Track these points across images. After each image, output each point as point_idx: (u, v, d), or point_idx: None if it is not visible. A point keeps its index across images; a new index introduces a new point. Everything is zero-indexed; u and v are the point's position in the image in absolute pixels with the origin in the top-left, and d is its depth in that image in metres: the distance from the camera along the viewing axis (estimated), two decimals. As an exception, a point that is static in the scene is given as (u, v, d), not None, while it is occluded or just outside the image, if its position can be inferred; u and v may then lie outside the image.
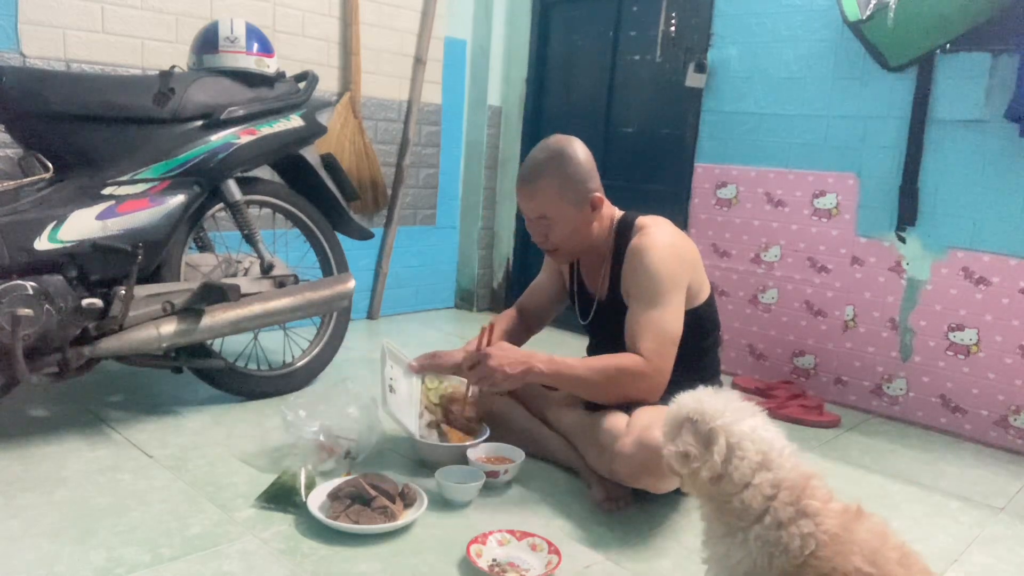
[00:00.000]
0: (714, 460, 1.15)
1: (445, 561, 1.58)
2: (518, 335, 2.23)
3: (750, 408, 1.22)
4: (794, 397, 2.74)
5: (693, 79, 3.08)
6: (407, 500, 1.77)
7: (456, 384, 2.07)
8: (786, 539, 1.11)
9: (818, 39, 2.81)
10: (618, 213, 2.02)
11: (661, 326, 1.82)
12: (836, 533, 1.11)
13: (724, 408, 1.20)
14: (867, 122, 2.73)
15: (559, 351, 2.33)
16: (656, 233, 1.88)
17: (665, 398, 1.88)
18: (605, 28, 3.56)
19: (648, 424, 1.75)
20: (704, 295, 1.98)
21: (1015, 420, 2.49)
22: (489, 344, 1.89)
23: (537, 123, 3.87)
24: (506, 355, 1.82)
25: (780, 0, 2.88)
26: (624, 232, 1.95)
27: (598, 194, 1.92)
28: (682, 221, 3.21)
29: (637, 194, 3.43)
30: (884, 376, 2.76)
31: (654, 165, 3.43)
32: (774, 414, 2.66)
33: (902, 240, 2.68)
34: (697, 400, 1.22)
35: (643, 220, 1.95)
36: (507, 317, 2.25)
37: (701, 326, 1.97)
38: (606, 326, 2.00)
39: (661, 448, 1.26)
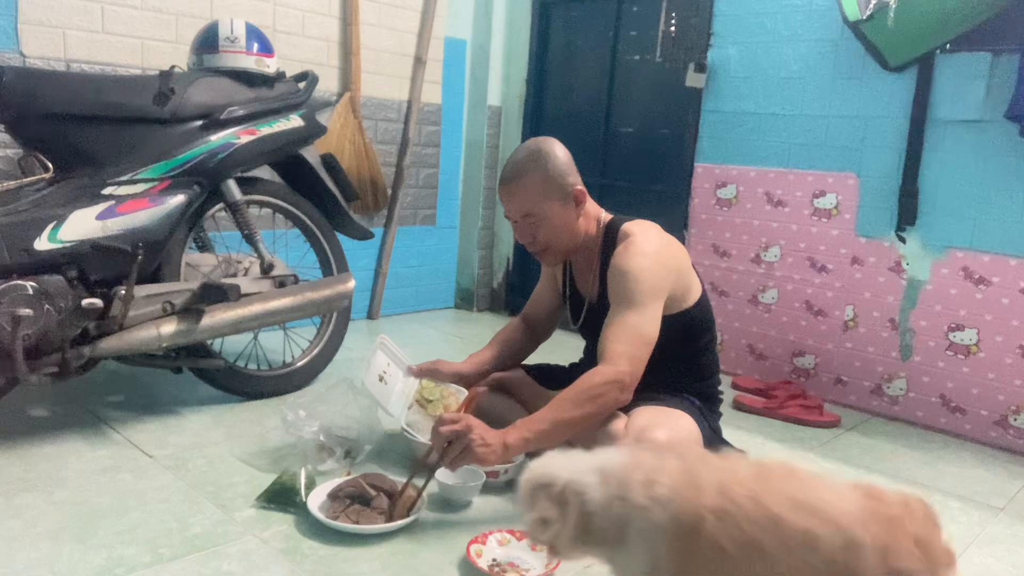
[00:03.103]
0: (570, 518, 1.11)
1: (445, 561, 1.58)
2: (522, 345, 2.23)
3: (603, 453, 1.19)
4: (794, 397, 2.73)
5: (693, 79, 3.08)
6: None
7: (454, 391, 2.07)
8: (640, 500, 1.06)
9: (818, 39, 2.81)
10: (606, 216, 2.01)
11: (636, 329, 1.78)
12: (680, 481, 1.06)
13: (568, 465, 1.16)
14: (867, 122, 2.73)
15: (557, 352, 2.35)
16: (640, 242, 1.86)
17: (664, 397, 1.89)
18: (605, 28, 3.56)
19: (646, 425, 1.76)
20: (693, 297, 1.96)
21: (1015, 420, 2.49)
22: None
23: (537, 123, 3.87)
24: (484, 439, 1.65)
25: (780, 0, 2.89)
26: (611, 238, 1.94)
27: (580, 187, 1.92)
28: (682, 221, 3.22)
29: (637, 194, 3.43)
30: (884, 376, 2.76)
31: (654, 165, 3.42)
32: (774, 414, 2.67)
33: (902, 240, 2.68)
34: (544, 465, 1.19)
35: (628, 227, 1.92)
36: (511, 327, 2.25)
37: (693, 328, 1.97)
38: (597, 329, 1.99)
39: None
